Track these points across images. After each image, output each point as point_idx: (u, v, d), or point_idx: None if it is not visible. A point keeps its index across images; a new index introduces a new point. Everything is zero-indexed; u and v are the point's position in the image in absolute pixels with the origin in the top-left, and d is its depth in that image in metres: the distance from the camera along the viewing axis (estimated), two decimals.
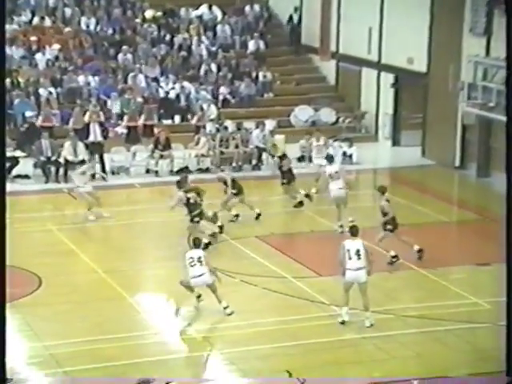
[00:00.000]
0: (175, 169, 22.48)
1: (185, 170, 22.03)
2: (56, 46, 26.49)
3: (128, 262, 16.11)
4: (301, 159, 23.21)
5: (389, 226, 15.69)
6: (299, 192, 19.53)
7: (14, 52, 25.91)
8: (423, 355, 12.38)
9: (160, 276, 15.63)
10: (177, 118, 25.50)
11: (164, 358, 12.16)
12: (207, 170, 22.80)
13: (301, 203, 19.40)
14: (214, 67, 27.38)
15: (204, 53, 27.90)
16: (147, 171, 22.62)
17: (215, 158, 23.30)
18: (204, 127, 24.19)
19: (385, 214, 15.76)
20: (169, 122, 25.14)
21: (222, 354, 12.38)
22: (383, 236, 15.68)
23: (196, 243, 13.93)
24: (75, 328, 13.07)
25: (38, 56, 26.12)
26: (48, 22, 27.54)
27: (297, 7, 29.37)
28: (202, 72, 27.23)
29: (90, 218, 18.49)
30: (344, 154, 23.53)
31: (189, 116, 25.47)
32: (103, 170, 22.24)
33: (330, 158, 18.70)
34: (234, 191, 18.38)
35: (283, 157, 20.03)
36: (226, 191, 18.39)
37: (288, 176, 19.54)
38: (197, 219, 16.42)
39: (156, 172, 22.56)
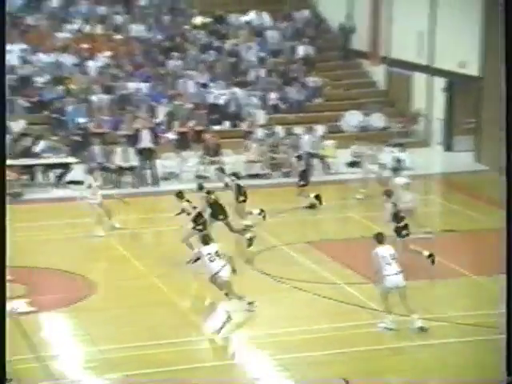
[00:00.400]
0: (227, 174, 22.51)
1: (234, 175, 22.05)
2: (107, 54, 26.79)
3: (179, 268, 16.15)
4: (352, 164, 23.06)
5: (404, 231, 15.28)
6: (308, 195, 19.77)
7: (66, 59, 26.24)
8: (479, 363, 12.16)
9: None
10: (226, 124, 25.57)
11: (217, 364, 12.15)
12: (257, 176, 22.80)
13: (315, 203, 19.58)
14: (263, 73, 27.40)
15: (253, 59, 27.94)
16: (197, 177, 22.69)
17: (265, 163, 23.29)
18: (254, 133, 24.22)
19: (401, 219, 15.35)
20: (218, 127, 25.22)
21: (274, 359, 12.32)
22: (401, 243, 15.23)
23: (206, 240, 13.92)
24: (128, 333, 13.13)
25: (90, 63, 26.43)
26: (99, 29, 27.86)
27: (349, 14, 29.12)
28: (251, 78, 27.27)
29: (97, 234, 17.70)
30: (396, 159, 23.30)
31: (238, 122, 25.53)
32: (154, 175, 22.39)
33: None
34: (243, 198, 18.15)
35: (299, 158, 20.69)
36: (238, 198, 18.08)
37: (304, 176, 19.90)
38: (199, 228, 15.96)
39: (206, 178, 22.62)
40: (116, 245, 17.38)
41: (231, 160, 23.01)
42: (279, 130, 24.68)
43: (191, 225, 16.14)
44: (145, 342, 12.69)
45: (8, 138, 23.15)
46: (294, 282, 15.20)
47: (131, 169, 22.12)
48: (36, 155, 22.32)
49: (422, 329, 12.93)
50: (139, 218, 19.70)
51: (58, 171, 22.03)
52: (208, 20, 29.04)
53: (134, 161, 22.00)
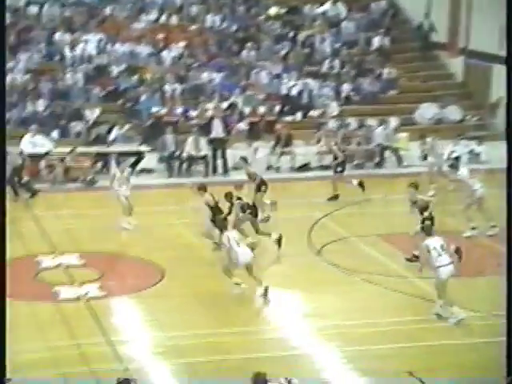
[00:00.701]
0: (296, 165, 22.45)
1: (305, 166, 22.00)
2: (181, 44, 26.96)
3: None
4: (425, 157, 22.67)
5: (431, 221, 15.01)
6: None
7: (141, 49, 26.52)
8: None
9: (283, 272, 15.63)
10: (298, 115, 25.46)
11: (283, 354, 12.10)
12: (329, 168, 22.62)
13: (338, 194, 19.59)
14: (337, 64, 27.19)
15: (327, 49, 27.74)
16: (268, 167, 22.68)
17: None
18: (326, 124, 24.06)
19: (424, 209, 15.25)
20: (290, 118, 25.14)
21: (340, 351, 12.22)
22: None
23: (226, 225, 14.25)
24: (196, 320, 13.21)
25: (164, 53, 26.64)
26: (174, 20, 28.06)
27: (428, 12, 28.47)
28: (324, 69, 27.09)
29: (123, 226, 17.54)
30: (471, 152, 22.87)
31: (311, 113, 25.40)
32: (225, 165, 22.47)
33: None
34: (264, 188, 17.87)
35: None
36: (259, 189, 17.75)
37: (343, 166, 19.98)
38: (220, 225, 15.24)
39: (277, 168, 22.60)
40: (186, 233, 17.49)
41: (302, 151, 22.92)
42: (352, 121, 24.46)
43: (210, 218, 15.85)
44: (212, 330, 12.74)
45: (83, 126, 23.58)
46: (364, 274, 15.05)
47: (202, 158, 22.24)
48: (110, 143, 22.66)
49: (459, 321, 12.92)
50: None
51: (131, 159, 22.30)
52: (283, 11, 28.93)
53: (205, 150, 22.11)
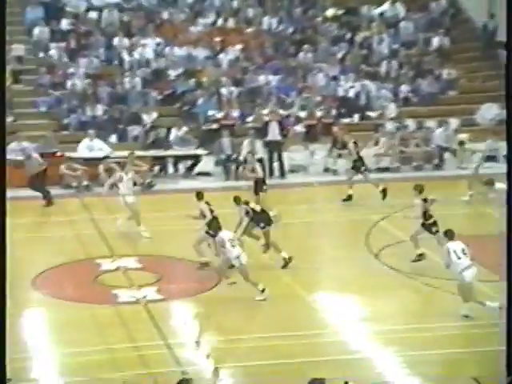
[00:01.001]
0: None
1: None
2: (238, 47, 26.99)
3: (306, 261, 16.07)
4: (487, 159, 22.26)
5: (435, 228, 15.20)
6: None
7: (198, 53, 26.64)
8: None
9: (338, 275, 15.51)
10: (356, 117, 25.27)
11: (342, 358, 12.00)
12: (386, 170, 22.43)
13: (351, 194, 19.24)
14: (395, 65, 26.91)
15: (385, 50, 27.48)
16: (325, 170, 22.55)
17: (395, 157, 22.87)
18: (384, 126, 23.83)
19: (429, 217, 15.27)
20: (348, 120, 24.96)
21: (400, 356, 12.05)
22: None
23: (219, 226, 14.31)
24: (253, 324, 13.19)
25: (221, 56, 26.71)
26: (231, 22, 28.12)
27: (493, 12, 27.95)
28: (382, 70, 26.84)
29: (118, 225, 17.30)
30: None
31: (368, 114, 25.18)
32: (281, 168, 22.42)
33: None
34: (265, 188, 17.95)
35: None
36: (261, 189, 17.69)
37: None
38: (212, 233, 15.07)
39: (334, 171, 22.46)
40: (244, 236, 17.45)
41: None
42: (410, 123, 24.18)
43: (205, 229, 15.32)
44: (270, 334, 12.68)
45: (141, 129, 23.78)
46: (422, 277, 14.84)
47: (259, 161, 22.17)
48: (167, 147, 22.81)
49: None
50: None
51: (188, 162, 22.42)
52: (340, 12, 28.75)
53: (262, 153, 22.09)
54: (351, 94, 25.74)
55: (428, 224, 15.44)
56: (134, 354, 12.07)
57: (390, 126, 24.04)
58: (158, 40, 26.80)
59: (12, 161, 20.10)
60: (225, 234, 14.07)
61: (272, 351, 12.12)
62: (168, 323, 13.37)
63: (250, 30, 27.83)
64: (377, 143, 22.90)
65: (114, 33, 26.83)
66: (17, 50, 25.27)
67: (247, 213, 15.53)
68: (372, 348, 12.49)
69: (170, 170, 22.63)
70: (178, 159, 22.64)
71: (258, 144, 22.19)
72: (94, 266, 15.79)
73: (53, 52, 25.73)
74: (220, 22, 28.13)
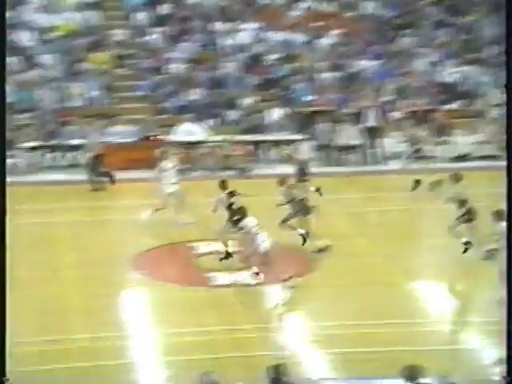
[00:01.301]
0: (455, 155, 21.75)
1: (465, 156, 21.29)
2: (337, 31, 26.64)
3: (403, 248, 15.78)
4: None
5: (469, 216, 14.68)
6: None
7: (296, 37, 26.43)
8: None
9: (437, 264, 15.16)
10: (458, 103, 24.60)
11: (437, 348, 11.70)
12: (491, 158, 21.76)
13: None
14: (498, 50, 26.04)
15: (489, 35, 26.63)
16: (422, 157, 22.05)
17: (498, 144, 22.15)
18: (487, 113, 23.13)
19: (462, 203, 14.70)
20: (449, 106, 24.32)
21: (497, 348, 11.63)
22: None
23: (245, 212, 13.75)
24: (348, 310, 12.99)
25: (320, 41, 26.42)
26: (330, 7, 27.76)
27: None
28: (486, 55, 26.03)
29: (142, 216, 16.90)
30: None
31: (470, 101, 24.49)
32: (380, 154, 22.05)
33: None
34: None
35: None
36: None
37: None
38: (240, 213, 14.35)
39: (434, 158, 21.94)
40: (340, 222, 17.27)
41: (461, 140, 22.14)
42: None
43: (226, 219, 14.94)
44: (364, 321, 12.49)
45: (238, 114, 23.79)
46: None
47: (356, 147, 21.92)
48: (264, 131, 22.75)
49: None
50: (364, 197, 19.47)
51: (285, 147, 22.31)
52: None
53: (359, 139, 21.77)
54: (453, 79, 25.05)
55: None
56: (228, 337, 12.06)
57: (493, 112, 23.29)
58: (257, 24, 26.72)
59: (114, 144, 20.48)
60: (250, 220, 13.79)
61: (365, 339, 11.91)
62: (262, 307, 13.31)
63: (349, 14, 27.43)
64: (479, 130, 22.24)
65: (213, 17, 26.90)
66: (117, 35, 25.68)
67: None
68: (471, 339, 12.15)
69: (267, 154, 22.55)
70: (274, 144, 22.55)
71: (355, 130, 21.87)
72: (188, 249, 15.88)
73: (153, 37, 26.02)
74: (319, 6, 27.81)
